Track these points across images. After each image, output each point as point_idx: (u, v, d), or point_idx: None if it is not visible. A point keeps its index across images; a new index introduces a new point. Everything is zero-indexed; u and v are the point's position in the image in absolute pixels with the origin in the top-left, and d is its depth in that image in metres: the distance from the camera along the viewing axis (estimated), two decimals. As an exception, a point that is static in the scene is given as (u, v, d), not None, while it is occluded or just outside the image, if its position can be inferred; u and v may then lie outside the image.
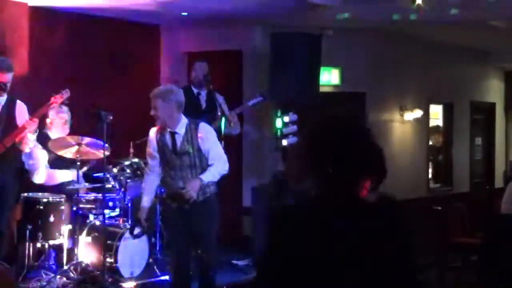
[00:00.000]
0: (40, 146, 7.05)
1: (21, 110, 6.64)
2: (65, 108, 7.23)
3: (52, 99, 6.66)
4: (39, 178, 7.10)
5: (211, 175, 5.76)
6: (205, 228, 5.84)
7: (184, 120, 5.77)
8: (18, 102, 6.65)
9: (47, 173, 7.13)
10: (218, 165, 5.80)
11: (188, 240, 5.85)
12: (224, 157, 5.89)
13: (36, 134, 6.61)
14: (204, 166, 5.76)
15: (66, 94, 6.71)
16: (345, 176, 2.25)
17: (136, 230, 6.13)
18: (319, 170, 2.25)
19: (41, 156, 7.08)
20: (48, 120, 7.20)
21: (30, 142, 6.58)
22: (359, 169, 2.25)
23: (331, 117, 2.33)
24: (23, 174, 7.07)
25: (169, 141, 5.76)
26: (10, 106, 6.58)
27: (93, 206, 7.10)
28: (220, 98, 7.98)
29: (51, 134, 7.16)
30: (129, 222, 7.15)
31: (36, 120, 6.53)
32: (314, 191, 2.27)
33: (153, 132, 5.86)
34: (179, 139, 5.74)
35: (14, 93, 6.71)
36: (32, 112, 6.64)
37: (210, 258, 5.89)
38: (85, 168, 7.37)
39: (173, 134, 5.75)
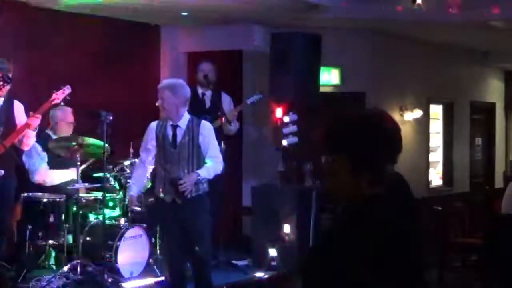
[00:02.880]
0: (40, 148, 7.05)
1: (20, 110, 6.63)
2: (69, 110, 7.24)
3: (54, 95, 6.64)
4: (39, 178, 7.10)
5: (207, 172, 5.85)
6: (197, 226, 5.85)
7: (186, 116, 5.86)
8: (16, 101, 6.65)
9: (47, 173, 7.13)
10: (214, 164, 5.91)
11: (181, 239, 5.85)
12: (220, 157, 6.00)
13: (36, 131, 6.60)
14: (201, 163, 5.85)
15: (67, 90, 6.70)
16: (393, 160, 2.30)
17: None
18: (378, 163, 2.26)
19: (42, 156, 7.08)
20: (53, 122, 7.20)
21: (30, 140, 6.58)
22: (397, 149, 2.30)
23: (358, 113, 2.30)
24: (23, 174, 7.07)
25: (170, 134, 5.81)
26: (8, 106, 6.58)
27: (93, 206, 7.11)
28: (226, 98, 8.20)
29: (55, 136, 7.15)
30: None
31: (39, 116, 6.53)
32: (368, 189, 2.24)
33: (154, 124, 5.92)
34: (180, 133, 5.81)
35: (14, 93, 6.71)
36: (33, 109, 6.62)
37: (204, 257, 5.89)
38: (83, 166, 7.32)
39: (174, 127, 5.81)
